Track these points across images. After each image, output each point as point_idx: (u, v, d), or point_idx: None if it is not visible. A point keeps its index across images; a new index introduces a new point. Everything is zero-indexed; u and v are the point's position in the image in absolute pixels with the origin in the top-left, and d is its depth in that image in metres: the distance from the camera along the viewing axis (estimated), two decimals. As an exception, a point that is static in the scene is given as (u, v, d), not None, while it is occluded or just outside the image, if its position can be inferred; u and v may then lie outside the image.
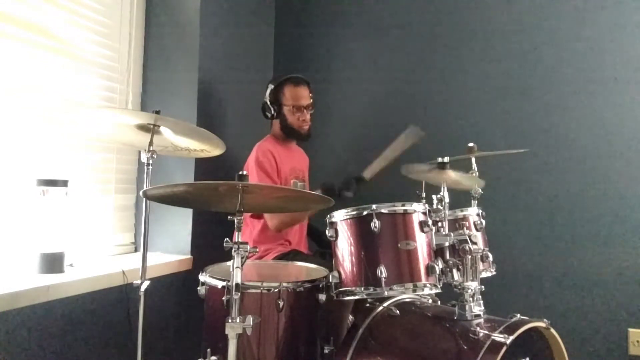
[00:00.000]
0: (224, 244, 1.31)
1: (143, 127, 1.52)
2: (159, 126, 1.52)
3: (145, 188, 1.38)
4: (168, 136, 1.58)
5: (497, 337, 1.31)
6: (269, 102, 2.23)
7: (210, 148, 1.67)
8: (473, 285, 1.48)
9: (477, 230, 1.76)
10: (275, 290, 1.44)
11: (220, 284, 1.45)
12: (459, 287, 1.49)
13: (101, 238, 2.06)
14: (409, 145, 2.05)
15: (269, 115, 2.25)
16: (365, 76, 2.79)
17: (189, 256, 2.16)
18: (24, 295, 1.44)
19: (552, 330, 1.44)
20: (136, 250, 2.21)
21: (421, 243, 1.48)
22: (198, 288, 1.54)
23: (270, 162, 2.12)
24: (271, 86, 2.24)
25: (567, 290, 2.36)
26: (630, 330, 2.26)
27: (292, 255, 2.08)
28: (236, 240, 1.30)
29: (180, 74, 2.23)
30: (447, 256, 1.52)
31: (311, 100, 2.25)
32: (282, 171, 2.18)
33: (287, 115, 2.21)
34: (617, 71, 2.34)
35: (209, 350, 1.44)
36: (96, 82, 2.03)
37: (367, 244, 1.48)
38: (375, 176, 2.05)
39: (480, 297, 1.49)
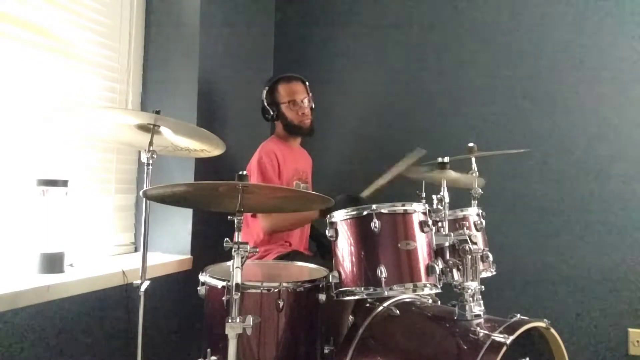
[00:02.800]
0: (224, 244, 1.31)
1: (143, 127, 1.52)
2: (159, 126, 1.52)
3: (145, 188, 1.38)
4: (168, 136, 1.58)
5: (497, 337, 1.31)
6: (266, 104, 2.23)
7: (210, 148, 1.67)
8: (473, 285, 1.48)
9: (477, 230, 1.75)
10: (275, 290, 1.44)
11: (220, 284, 1.45)
12: (459, 287, 1.48)
13: (101, 238, 2.06)
14: (408, 165, 2.02)
15: (269, 117, 2.25)
16: (365, 76, 2.78)
17: (189, 256, 2.16)
18: (24, 295, 1.44)
19: (552, 330, 1.43)
20: (136, 250, 2.21)
21: (421, 243, 1.48)
22: (198, 288, 1.54)
23: (273, 163, 2.12)
24: (266, 88, 2.25)
25: (567, 290, 2.36)
26: (630, 330, 2.26)
27: (292, 256, 2.08)
28: (236, 240, 1.30)
29: (180, 74, 2.23)
30: (447, 256, 1.52)
31: (309, 95, 2.25)
32: (285, 173, 2.17)
33: (286, 112, 2.21)
34: (617, 71, 2.34)
35: (209, 350, 1.44)
36: (96, 82, 2.03)
37: (367, 244, 1.48)
38: (372, 195, 2.03)
39: (480, 297, 1.49)
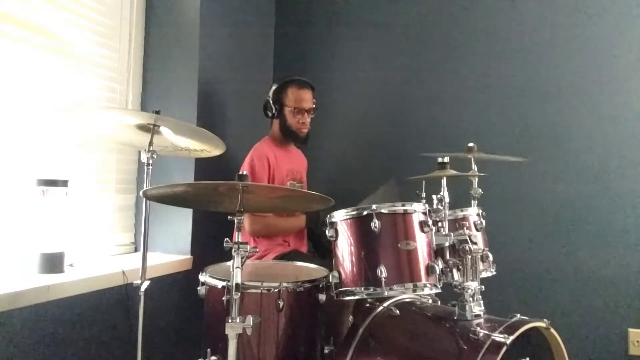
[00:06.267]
0: (224, 244, 1.31)
1: (143, 127, 1.52)
2: (159, 126, 1.52)
3: (145, 188, 1.38)
4: (168, 136, 1.58)
5: (497, 337, 1.31)
6: (271, 101, 2.23)
7: (210, 148, 1.67)
8: (473, 285, 1.47)
9: (477, 230, 1.75)
10: (275, 290, 1.44)
11: (220, 284, 1.45)
12: (459, 287, 1.48)
13: (101, 238, 2.06)
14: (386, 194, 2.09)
15: (270, 114, 2.25)
16: (365, 76, 2.78)
17: (189, 256, 2.16)
18: (24, 295, 1.44)
19: (552, 330, 1.43)
20: (136, 250, 2.21)
21: (421, 243, 1.48)
22: (198, 288, 1.54)
23: (264, 165, 2.13)
24: (275, 85, 2.25)
25: (567, 290, 2.36)
26: (630, 330, 2.26)
27: (292, 255, 2.08)
28: (236, 240, 1.30)
29: (180, 74, 2.23)
30: (447, 256, 1.52)
31: (313, 105, 2.25)
32: (278, 174, 2.18)
33: (287, 116, 2.22)
34: (618, 70, 2.34)
35: (209, 350, 1.44)
36: (96, 82, 2.03)
37: (367, 244, 1.48)
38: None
39: (480, 297, 1.49)
